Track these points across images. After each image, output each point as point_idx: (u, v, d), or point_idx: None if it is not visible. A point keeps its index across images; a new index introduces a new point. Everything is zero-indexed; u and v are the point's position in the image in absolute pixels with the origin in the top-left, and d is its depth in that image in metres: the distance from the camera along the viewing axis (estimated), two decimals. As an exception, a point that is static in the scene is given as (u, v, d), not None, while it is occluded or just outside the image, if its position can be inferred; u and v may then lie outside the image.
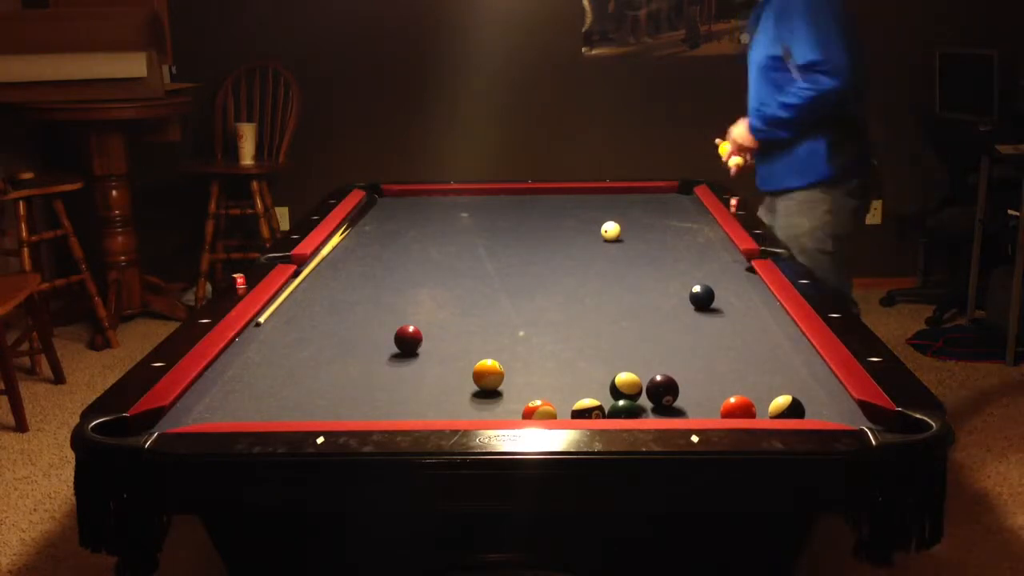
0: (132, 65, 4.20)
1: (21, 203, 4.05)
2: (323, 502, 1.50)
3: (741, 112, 3.13)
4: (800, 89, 2.87)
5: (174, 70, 4.68)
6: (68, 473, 2.74)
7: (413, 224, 3.19)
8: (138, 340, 4.36)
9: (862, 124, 3.06)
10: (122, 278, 4.55)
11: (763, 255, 2.61)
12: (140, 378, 1.77)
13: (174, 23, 4.76)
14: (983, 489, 2.94)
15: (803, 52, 2.82)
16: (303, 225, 3.03)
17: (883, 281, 4.88)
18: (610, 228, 2.91)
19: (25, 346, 3.94)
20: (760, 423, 1.57)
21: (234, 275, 2.40)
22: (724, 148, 3.17)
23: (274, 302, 2.30)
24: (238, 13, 4.84)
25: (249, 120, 4.77)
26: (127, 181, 4.51)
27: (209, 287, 4.73)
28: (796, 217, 3.03)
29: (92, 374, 4.01)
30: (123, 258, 4.55)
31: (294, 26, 4.84)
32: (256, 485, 1.48)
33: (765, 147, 3.06)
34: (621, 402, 1.65)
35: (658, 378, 1.70)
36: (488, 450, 1.44)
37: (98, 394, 1.73)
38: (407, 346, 1.98)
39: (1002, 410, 3.51)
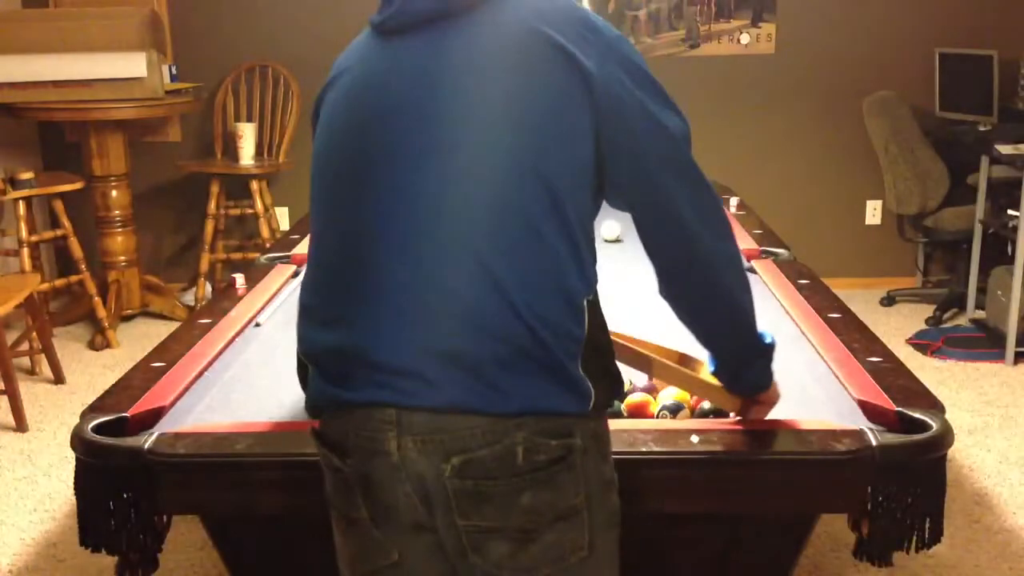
0: (132, 65, 4.20)
1: (21, 203, 4.05)
2: (323, 502, 1.50)
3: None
4: None
5: (174, 70, 4.68)
6: (68, 473, 2.74)
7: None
8: (138, 340, 4.36)
9: None
10: (122, 278, 4.55)
11: (763, 255, 2.61)
12: (140, 378, 1.77)
13: (174, 23, 4.77)
14: (983, 489, 2.93)
15: None
16: (303, 225, 3.03)
17: (883, 281, 4.88)
18: (610, 228, 2.91)
19: (25, 346, 3.94)
20: (760, 423, 1.57)
21: (234, 275, 2.40)
22: None
23: (274, 302, 2.30)
24: (238, 13, 4.84)
25: (249, 120, 4.77)
26: (127, 181, 4.51)
27: (209, 287, 4.72)
28: None
29: (92, 374, 4.01)
30: (123, 258, 4.54)
31: (294, 26, 4.83)
32: (256, 485, 1.48)
33: None
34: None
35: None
36: (488, 450, 1.44)
37: (98, 394, 1.73)
38: (407, 346, 1.97)
39: (1002, 410, 3.50)
